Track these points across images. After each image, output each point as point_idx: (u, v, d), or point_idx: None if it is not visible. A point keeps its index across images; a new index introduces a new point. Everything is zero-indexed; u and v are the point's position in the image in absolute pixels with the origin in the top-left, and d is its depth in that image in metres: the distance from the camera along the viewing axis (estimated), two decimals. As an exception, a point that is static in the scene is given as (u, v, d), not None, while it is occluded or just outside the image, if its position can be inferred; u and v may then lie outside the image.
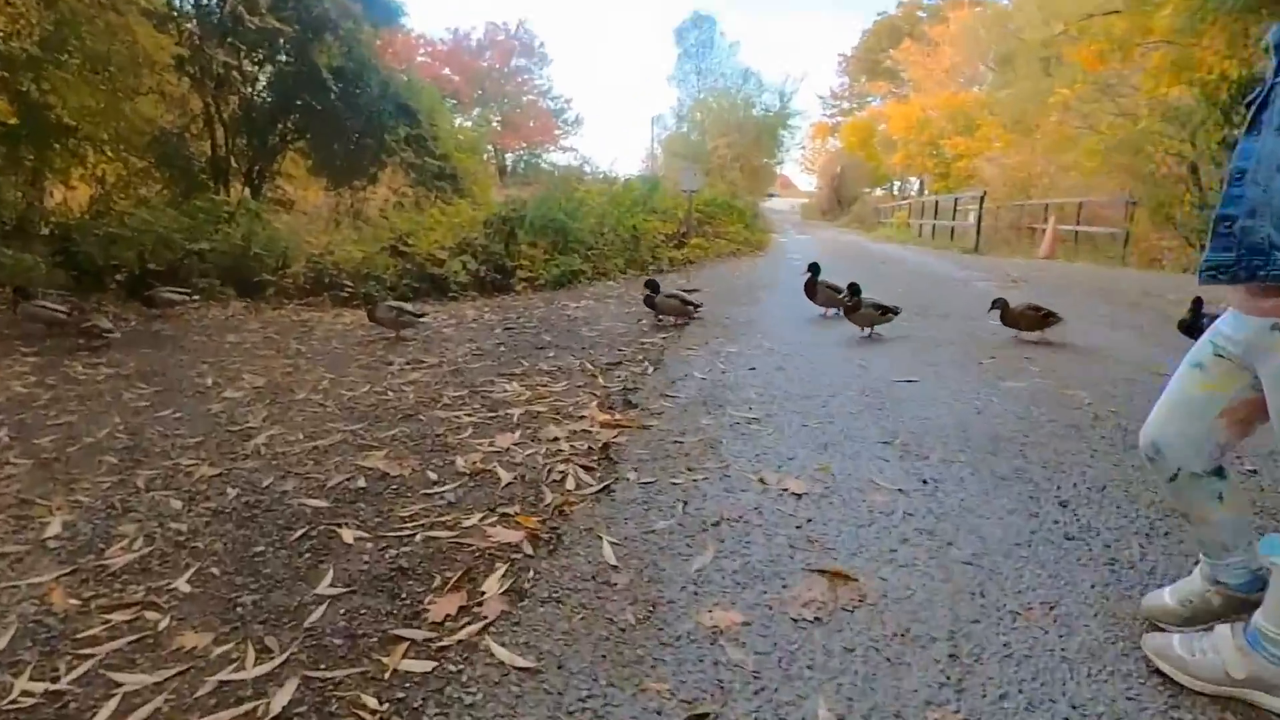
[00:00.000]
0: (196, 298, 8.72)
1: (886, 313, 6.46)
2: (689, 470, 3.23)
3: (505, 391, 4.74)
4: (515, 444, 3.68)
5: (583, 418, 4.09)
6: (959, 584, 2.28)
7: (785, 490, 3.01)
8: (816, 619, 2.08)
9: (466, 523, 2.75)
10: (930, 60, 42.91)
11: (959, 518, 2.76)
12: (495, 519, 2.79)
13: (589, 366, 5.38)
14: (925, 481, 3.15)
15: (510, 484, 3.15)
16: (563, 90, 57.16)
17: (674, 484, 3.07)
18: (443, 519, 2.80)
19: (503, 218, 11.49)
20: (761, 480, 3.12)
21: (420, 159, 16.82)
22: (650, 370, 5.19)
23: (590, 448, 3.58)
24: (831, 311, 7.56)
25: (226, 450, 3.78)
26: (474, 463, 3.40)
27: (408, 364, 5.77)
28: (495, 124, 46.75)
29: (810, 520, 2.73)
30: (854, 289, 6.55)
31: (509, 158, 46.75)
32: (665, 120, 50.65)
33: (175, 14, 14.03)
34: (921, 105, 41.94)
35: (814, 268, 7.72)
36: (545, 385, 4.87)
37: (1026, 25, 33.04)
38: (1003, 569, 2.38)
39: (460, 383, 5.03)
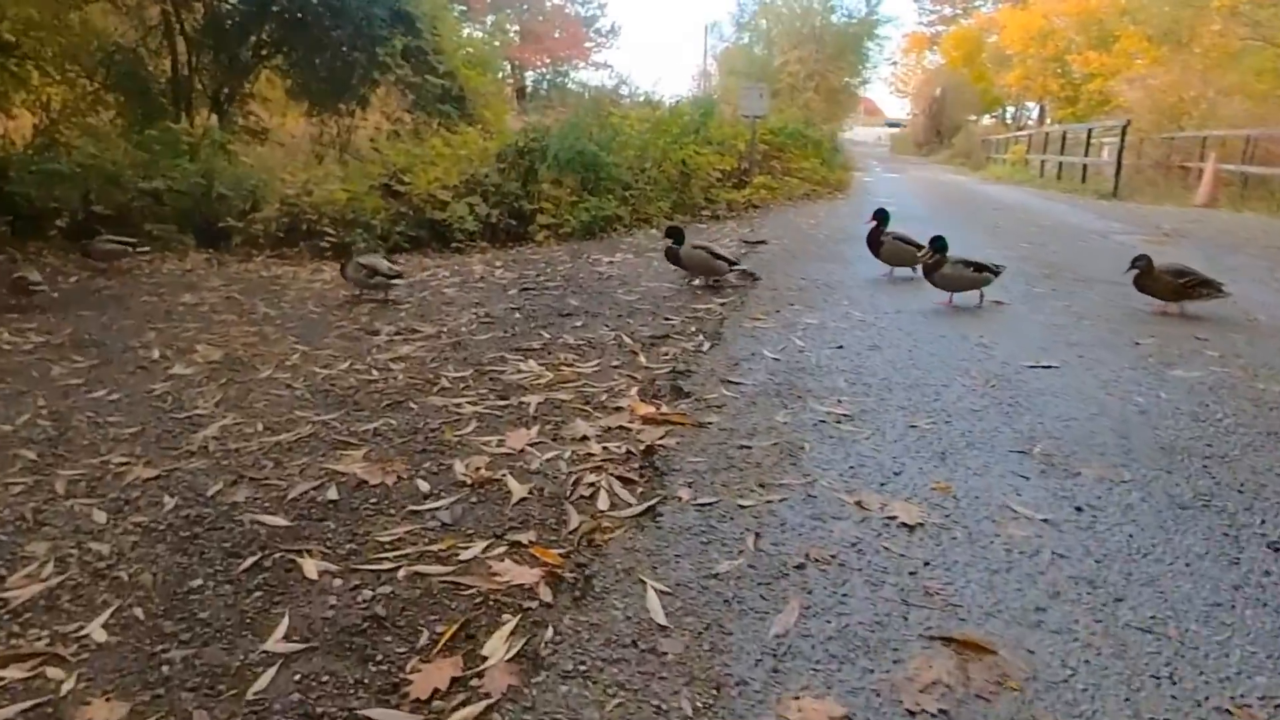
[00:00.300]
0: (145, 248, 8.53)
1: (983, 272, 6.04)
2: (761, 487, 2.96)
3: (520, 372, 4.51)
4: (531, 444, 3.44)
5: (619, 410, 3.85)
6: (1137, 663, 1.99)
7: (892, 518, 2.74)
8: (941, 713, 1.81)
9: (465, 554, 2.53)
10: None
11: (1129, 563, 2.47)
12: (504, 549, 2.56)
13: (627, 341, 5.11)
14: (1079, 509, 2.86)
15: (524, 500, 2.92)
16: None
17: (741, 507, 2.81)
18: (434, 548, 2.58)
19: (520, 150, 11.19)
20: (860, 504, 2.83)
21: (420, 77, 16.16)
22: (707, 347, 4.91)
23: (630, 452, 3.33)
24: (902, 271, 7.28)
25: (168, 445, 3.62)
26: (477, 469, 3.18)
27: (398, 334, 5.58)
28: (513, 35, 45.93)
29: (928, 563, 2.46)
30: (938, 243, 6.15)
31: (529, 77, 45.97)
32: (722, 30, 49.84)
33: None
34: (1044, 11, 40.57)
35: (880, 214, 7.48)
36: (571, 365, 4.63)
37: None
38: (1198, 642, 2.08)
39: (463, 360, 4.82)
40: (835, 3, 43.90)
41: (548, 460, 3.27)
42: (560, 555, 2.50)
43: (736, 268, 6.88)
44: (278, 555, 2.56)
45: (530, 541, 2.59)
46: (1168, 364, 4.73)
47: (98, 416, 4.01)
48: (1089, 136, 24.01)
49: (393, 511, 2.86)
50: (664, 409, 3.78)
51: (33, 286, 6.46)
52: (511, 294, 6.85)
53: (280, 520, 2.80)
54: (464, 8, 40.08)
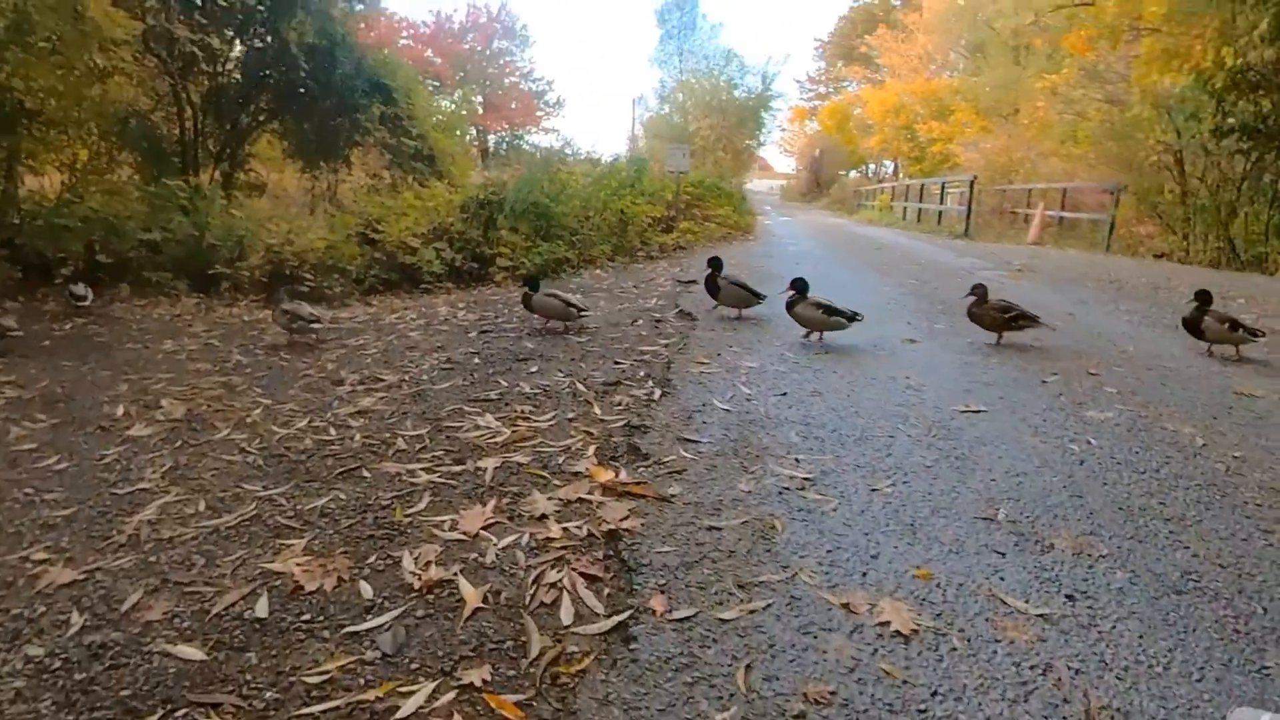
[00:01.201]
0: (91, 303, 7.32)
1: (835, 315, 5.34)
2: (740, 589, 2.21)
3: (477, 428, 3.67)
4: (487, 526, 2.62)
5: (578, 475, 3.05)
6: None
7: (884, 625, 2.03)
8: None
9: (406, 706, 1.69)
10: (904, 47, 44.08)
11: (1152, 679, 1.82)
12: (452, 694, 1.73)
13: (581, 388, 4.29)
14: (1071, 598, 2.16)
15: (479, 612, 2.11)
16: (544, 72, 55.81)
17: (723, 621, 2.05)
18: (370, 695, 1.74)
19: (480, 201, 10.33)
20: (848, 607, 2.11)
21: (396, 139, 15.84)
22: (658, 395, 4.11)
23: (592, 535, 2.54)
24: (735, 313, 6.45)
25: (99, 533, 2.73)
26: (427, 565, 2.35)
27: (361, 383, 4.68)
28: (478, 105, 45.30)
29: (936, 693, 1.75)
30: (799, 283, 5.47)
31: (491, 139, 45.48)
32: (647, 101, 49.81)
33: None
34: (896, 90, 42.07)
35: (714, 262, 6.52)
36: (528, 418, 3.80)
37: (998, 15, 33.41)
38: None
39: (422, 414, 3.95)
40: (737, 82, 44.83)
41: (504, 549, 2.46)
42: (518, 705, 1.66)
43: (584, 313, 6.06)
44: (182, 713, 1.68)
45: (484, 682, 1.76)
46: (1079, 404, 4.11)
47: (37, 493, 3.09)
48: (942, 188, 24.01)
49: (327, 634, 2.02)
50: (624, 476, 2.98)
51: (9, 333, 5.40)
52: (472, 336, 5.97)
53: (195, 652, 1.94)
54: (436, 82, 39.31)
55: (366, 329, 6.44)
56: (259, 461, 3.38)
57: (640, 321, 6.30)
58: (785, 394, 4.15)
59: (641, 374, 4.57)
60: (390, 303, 8.25)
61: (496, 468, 3.14)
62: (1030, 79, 28.98)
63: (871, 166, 51.42)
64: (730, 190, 19.96)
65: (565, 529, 2.56)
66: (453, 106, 26.77)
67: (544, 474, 3.07)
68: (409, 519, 2.70)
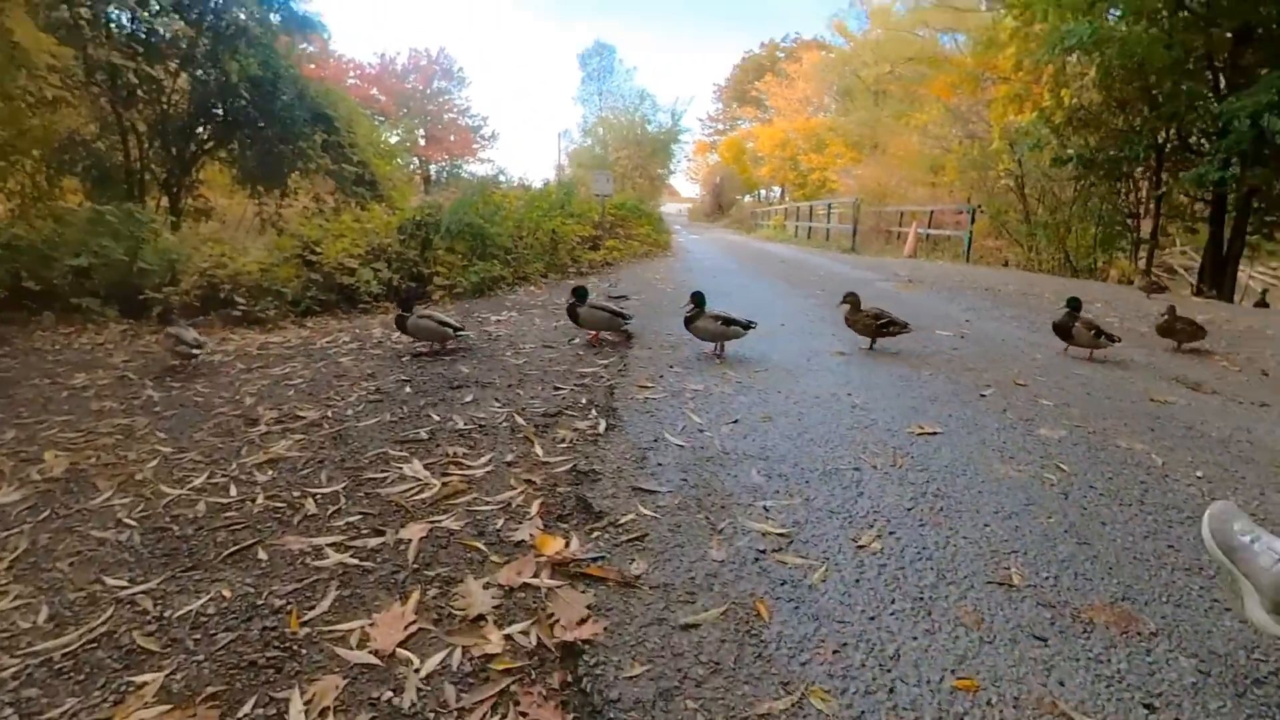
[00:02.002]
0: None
1: (732, 325, 4.77)
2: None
3: (403, 480, 2.78)
4: (408, 638, 1.74)
5: (521, 546, 2.20)
6: None
7: None
8: None
9: None
10: (787, 91, 45.96)
11: None
12: None
13: (520, 421, 3.41)
14: (1150, 707, 1.45)
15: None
16: (480, 109, 54.53)
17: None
18: None
19: (417, 223, 9.25)
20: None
21: (338, 165, 14.66)
22: (603, 427, 3.27)
23: (543, 647, 1.69)
24: (602, 335, 5.52)
25: None
26: (323, 717, 1.46)
27: (279, 421, 3.68)
28: (420, 137, 43.71)
29: None
30: (697, 297, 4.86)
31: (433, 168, 44.05)
32: (571, 135, 49.35)
33: (78, 21, 11.38)
34: (782, 128, 43.68)
35: (578, 291, 5.35)
36: (461, 462, 2.92)
37: (861, 65, 34.57)
38: None
39: (340, 462, 3.01)
40: (650, 118, 45.63)
41: (429, 678, 1.58)
42: None
43: (461, 333, 5.19)
44: None
45: None
46: (1028, 420, 3.50)
47: None
48: (829, 209, 23.98)
49: None
50: (575, 546, 2.15)
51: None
52: (404, 360, 4.96)
53: None
54: (383, 117, 37.41)
55: (296, 354, 5.36)
56: (134, 540, 2.40)
57: (576, 340, 5.45)
58: (737, 421, 3.38)
59: (584, 401, 3.73)
60: (326, 324, 7.13)
61: (423, 538, 2.27)
62: (888, 118, 29.93)
63: (763, 192, 52.14)
64: (649, 211, 19.21)
65: (508, 638, 1.72)
66: (396, 138, 25.54)
67: (480, 545, 2.22)
68: (307, 628, 1.81)
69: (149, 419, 3.86)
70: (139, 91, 12.64)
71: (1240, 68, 11.38)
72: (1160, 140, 12.49)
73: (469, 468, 2.86)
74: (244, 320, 7.19)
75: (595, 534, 2.25)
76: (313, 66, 17.40)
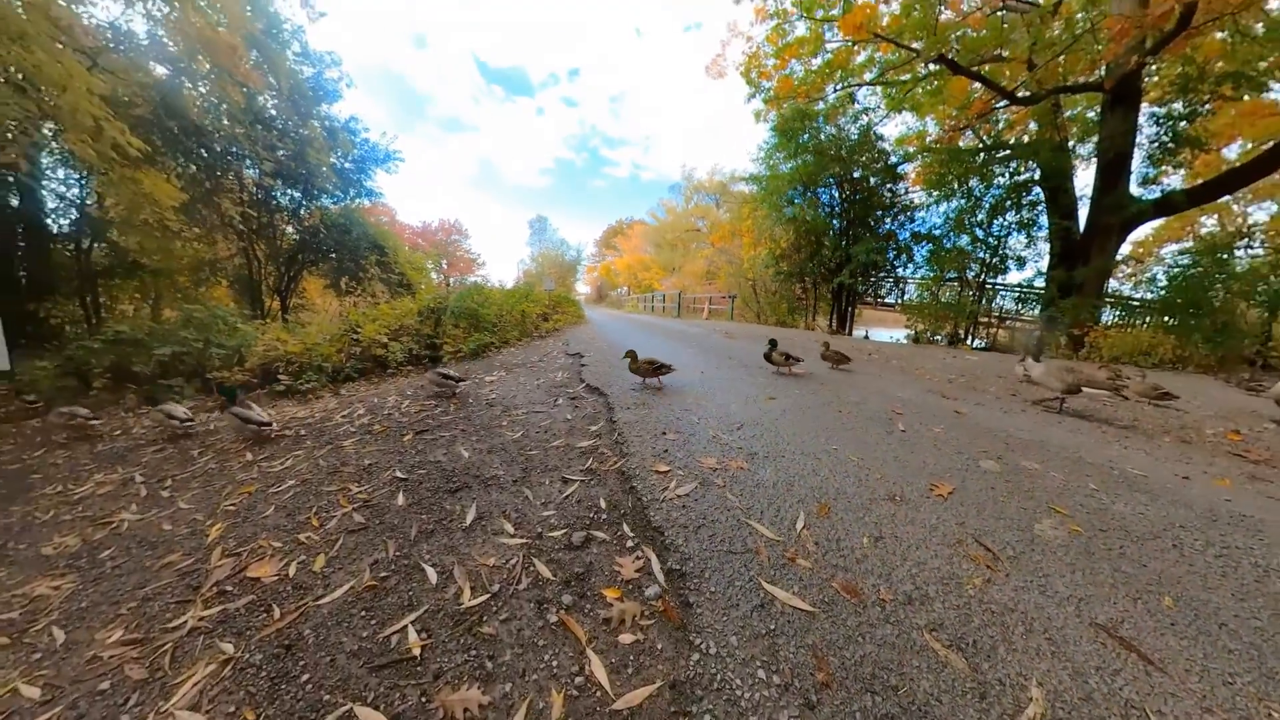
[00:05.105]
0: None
1: (660, 368, 3.45)
2: None
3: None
4: None
5: None
6: None
7: None
8: None
9: None
10: (628, 244, 47.40)
11: None
12: None
13: (543, 573, 1.26)
14: None
15: None
16: (477, 249, 50.04)
17: None
18: None
19: (432, 309, 6.65)
20: None
21: (386, 275, 11.67)
22: (659, 569, 1.22)
23: None
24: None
25: None
26: None
27: (228, 583, 1.29)
28: (442, 262, 38.77)
29: None
30: (631, 353, 3.54)
31: (451, 280, 39.57)
32: (525, 262, 47.13)
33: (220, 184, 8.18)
34: (628, 261, 43.86)
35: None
36: (471, 711, 0.77)
37: (662, 231, 34.68)
38: None
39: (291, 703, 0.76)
40: (567, 253, 46.92)
41: None
42: None
43: (268, 427, 2.96)
44: None
45: None
46: (964, 454, 1.93)
47: None
48: (664, 297, 23.05)
49: None
50: None
51: None
52: (407, 441, 2.63)
53: None
54: (421, 252, 32.04)
55: (308, 436, 2.83)
56: None
57: (561, 401, 3.35)
58: (816, 614, 1.47)
59: (603, 504, 1.72)
60: (357, 388, 4.44)
61: None
62: (680, 256, 29.97)
63: (622, 289, 51.56)
64: (573, 299, 17.00)
65: None
66: (430, 264, 22.13)
67: None
68: None
69: (111, 560, 1.33)
70: (261, 231, 9.18)
71: (851, 234, 11.32)
72: (816, 265, 12.32)
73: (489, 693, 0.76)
74: (288, 393, 4.28)
75: None
76: (385, 221, 14.92)
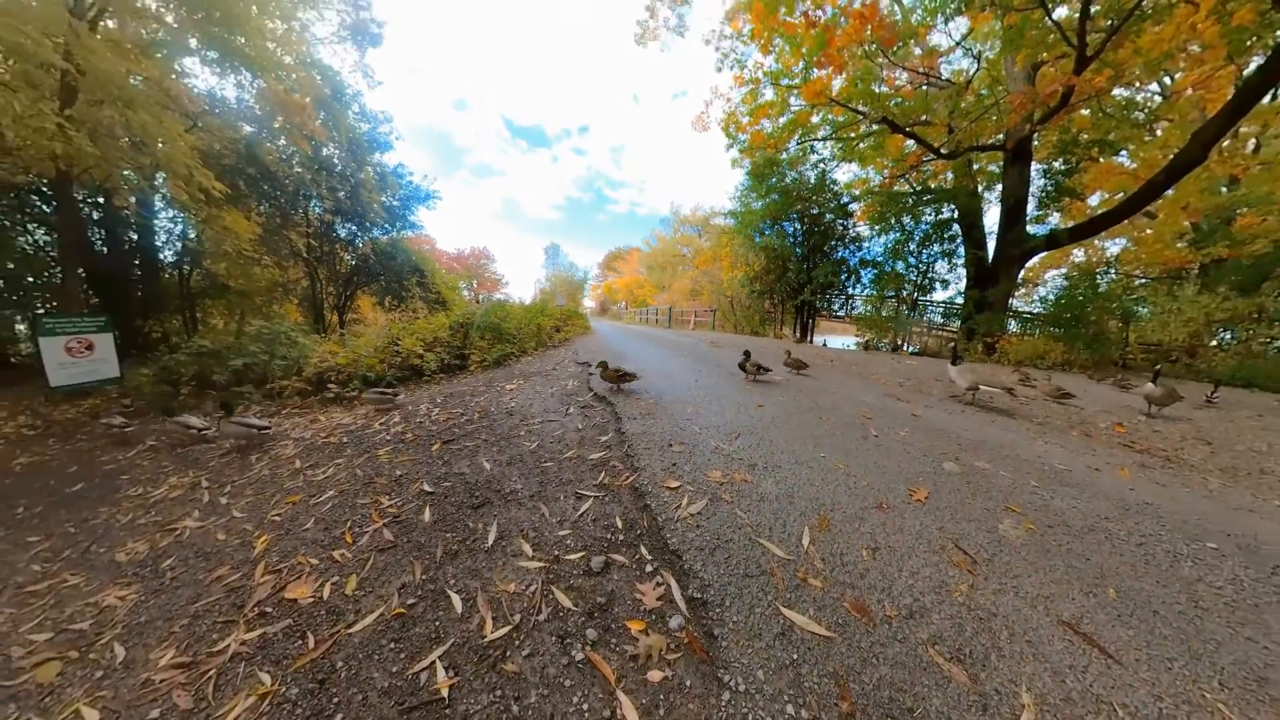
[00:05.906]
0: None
1: (625, 376, 3.22)
2: None
3: None
4: None
5: None
6: None
7: None
8: None
9: None
10: (627, 266, 45.51)
11: None
12: None
13: (563, 602, 1.03)
14: None
15: None
16: (501, 270, 49.79)
17: None
18: None
19: (461, 323, 6.44)
20: None
21: (426, 293, 11.42)
22: (681, 599, 0.98)
23: None
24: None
25: None
26: None
27: (253, 626, 1.08)
28: (474, 283, 38.47)
29: None
30: (603, 364, 3.31)
31: (480, 297, 39.08)
32: (540, 282, 47.24)
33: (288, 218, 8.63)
34: (627, 281, 43.58)
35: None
36: None
37: (654, 256, 34.54)
38: None
39: None
40: (576, 274, 44.98)
41: None
42: None
43: (266, 430, 2.73)
44: None
45: None
46: (929, 456, 1.79)
47: None
48: (659, 310, 23.19)
49: None
50: None
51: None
52: (435, 451, 2.38)
53: None
54: (455, 275, 31.52)
55: (342, 450, 2.61)
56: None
57: (572, 410, 3.15)
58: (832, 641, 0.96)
59: (619, 523, 1.47)
60: (394, 392, 4.20)
61: None
62: (670, 277, 29.90)
63: (623, 304, 51.41)
64: (580, 313, 16.75)
65: None
66: (464, 284, 21.78)
67: None
68: None
69: (202, 521, 1.12)
70: (323, 258, 9.34)
71: (811, 260, 11.24)
72: (783, 285, 12.23)
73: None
74: (336, 400, 4.05)
75: None
76: (426, 248, 15.13)
